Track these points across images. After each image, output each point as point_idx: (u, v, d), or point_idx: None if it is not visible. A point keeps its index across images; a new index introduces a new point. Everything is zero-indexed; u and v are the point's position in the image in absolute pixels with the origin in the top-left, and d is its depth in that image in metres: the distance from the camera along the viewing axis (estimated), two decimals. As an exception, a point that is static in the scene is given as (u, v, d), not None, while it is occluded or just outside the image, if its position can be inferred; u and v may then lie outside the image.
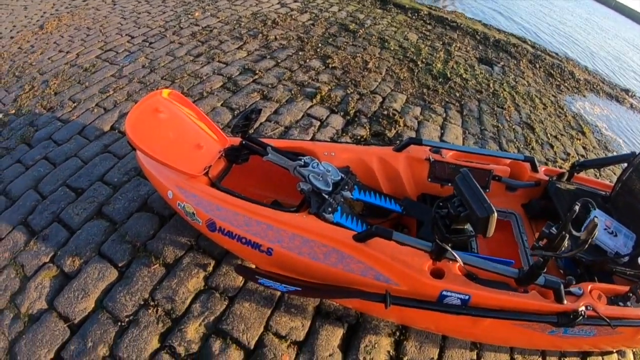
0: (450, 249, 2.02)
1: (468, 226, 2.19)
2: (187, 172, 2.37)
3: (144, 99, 2.49)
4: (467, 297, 2.11)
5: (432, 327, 2.57)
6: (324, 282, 2.20)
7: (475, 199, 2.03)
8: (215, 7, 6.87)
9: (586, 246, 1.96)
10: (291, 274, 2.24)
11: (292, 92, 4.53)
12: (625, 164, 3.10)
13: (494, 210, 1.93)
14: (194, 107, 2.66)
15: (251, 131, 2.72)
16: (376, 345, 2.46)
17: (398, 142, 4.06)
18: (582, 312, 2.15)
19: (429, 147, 3.02)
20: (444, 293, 2.10)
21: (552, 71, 9.04)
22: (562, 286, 2.15)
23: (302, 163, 2.44)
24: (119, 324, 2.29)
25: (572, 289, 2.27)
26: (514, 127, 5.59)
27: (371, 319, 2.57)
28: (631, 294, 2.34)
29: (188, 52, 5.18)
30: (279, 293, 2.50)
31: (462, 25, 9.25)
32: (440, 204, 2.39)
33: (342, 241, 2.16)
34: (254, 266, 2.52)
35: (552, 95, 7.66)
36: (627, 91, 11.53)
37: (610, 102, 9.69)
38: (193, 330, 2.27)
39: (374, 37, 6.83)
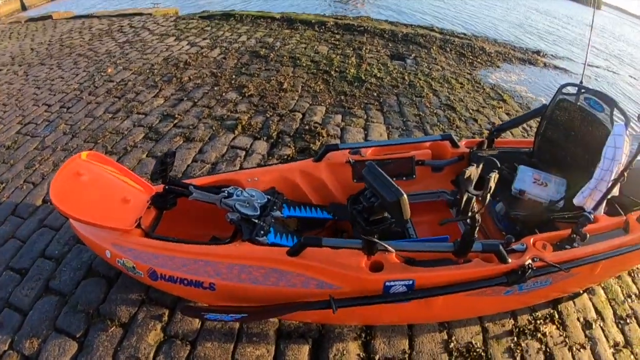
0: (378, 241, 2.04)
1: (387, 214, 2.31)
2: (119, 227, 2.41)
3: (64, 165, 2.53)
4: (411, 282, 2.13)
5: (394, 319, 2.62)
6: (270, 303, 2.22)
7: (383, 186, 2.13)
8: (127, 59, 6.91)
9: (486, 202, 2.04)
10: (239, 303, 2.29)
11: (213, 128, 4.64)
12: (540, 118, 3.25)
13: (403, 192, 2.04)
14: (114, 164, 2.73)
15: (179, 175, 2.79)
16: (345, 352, 2.50)
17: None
18: (529, 265, 2.19)
19: (347, 150, 3.10)
20: (387, 284, 2.12)
21: (463, 51, 9.45)
22: (501, 247, 2.18)
23: (226, 194, 2.52)
24: None
25: (515, 246, 2.32)
26: (435, 111, 5.85)
27: (334, 328, 2.62)
28: (575, 235, 2.39)
29: (106, 109, 5.21)
30: (237, 325, 2.56)
31: (369, 28, 9.57)
32: (355, 200, 2.55)
33: (277, 259, 2.20)
34: (206, 305, 2.54)
35: (467, 73, 8.02)
36: (538, 52, 12.20)
37: (524, 66, 10.21)
38: None
39: (285, 57, 7.04)
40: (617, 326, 3.08)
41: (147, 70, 6.38)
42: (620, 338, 2.99)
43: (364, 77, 6.55)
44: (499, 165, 2.42)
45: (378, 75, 6.79)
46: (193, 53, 7.10)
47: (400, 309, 2.33)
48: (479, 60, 9.17)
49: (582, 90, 2.91)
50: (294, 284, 2.16)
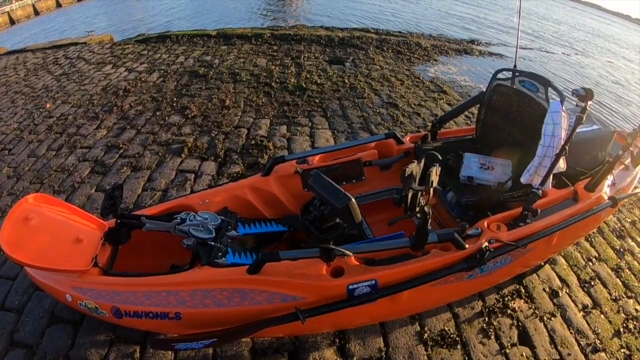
0: (334, 247, 2.04)
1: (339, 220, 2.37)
2: (75, 269, 2.38)
3: (11, 211, 2.49)
4: (374, 282, 2.16)
5: (365, 320, 2.64)
6: (238, 324, 2.20)
7: (330, 193, 2.19)
8: (65, 92, 6.79)
9: (430, 195, 2.19)
10: (208, 328, 2.27)
11: (160, 154, 4.66)
12: (479, 105, 3.39)
13: (350, 197, 2.11)
14: (63, 204, 2.71)
15: (130, 206, 2.77)
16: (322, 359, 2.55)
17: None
18: (486, 247, 2.26)
19: (295, 160, 3.11)
20: (351, 287, 2.14)
21: (399, 48, 9.76)
22: (456, 234, 2.25)
23: (179, 220, 2.53)
24: None
25: (470, 231, 2.39)
26: (378, 110, 6.04)
27: (307, 338, 2.64)
28: (526, 212, 2.50)
29: (49, 147, 5.12)
30: (211, 351, 2.57)
31: (305, 36, 9.74)
32: (306, 209, 2.62)
33: (238, 279, 2.19)
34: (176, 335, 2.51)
35: (406, 70, 8.30)
36: (473, 42, 12.69)
37: (461, 57, 10.63)
38: None
39: (225, 74, 7.11)
40: (583, 290, 3.27)
41: (87, 102, 6.29)
42: (587, 301, 3.18)
43: (304, 85, 6.70)
44: (439, 157, 2.48)
45: (318, 82, 6.95)
46: (132, 79, 7.06)
47: (369, 309, 2.33)
48: (416, 55, 9.49)
49: (517, 74, 3.05)
50: (259, 302, 2.17)
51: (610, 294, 3.29)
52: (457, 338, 2.75)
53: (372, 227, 3.06)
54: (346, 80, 7.13)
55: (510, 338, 2.81)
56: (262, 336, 2.60)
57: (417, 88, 7.20)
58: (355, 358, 2.57)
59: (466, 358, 2.66)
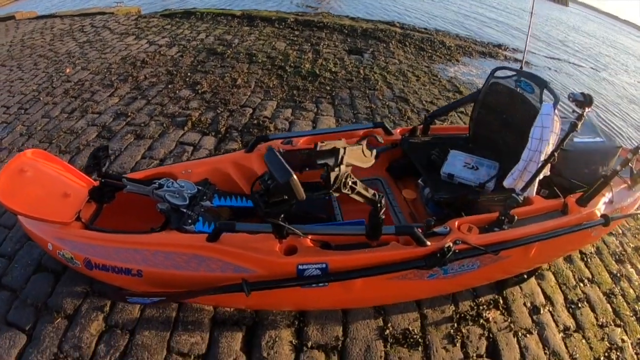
0: (284, 224, 2.05)
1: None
2: (58, 220, 2.56)
3: (9, 162, 2.68)
4: (324, 266, 2.14)
5: (322, 305, 2.69)
6: (192, 288, 2.27)
7: (276, 168, 2.15)
8: (86, 59, 6.99)
9: (337, 176, 2.11)
10: (165, 288, 2.39)
11: (164, 125, 4.80)
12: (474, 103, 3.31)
13: (292, 172, 2.07)
14: (58, 161, 2.87)
15: (127, 171, 2.85)
16: (277, 339, 2.55)
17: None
18: (449, 247, 2.15)
19: (280, 140, 3.11)
20: (300, 267, 2.14)
21: (422, 45, 9.67)
22: (416, 229, 2.17)
23: (157, 186, 2.65)
24: None
25: (438, 229, 2.31)
26: (388, 103, 6.05)
27: (267, 315, 2.68)
28: (503, 217, 2.38)
29: (62, 110, 5.33)
30: (174, 314, 2.67)
31: (329, 24, 9.76)
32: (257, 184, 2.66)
33: (197, 245, 2.26)
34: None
35: (425, 66, 8.25)
36: (500, 46, 12.49)
37: (484, 59, 10.45)
38: None
39: (242, 54, 7.21)
40: (568, 311, 3.14)
41: (105, 70, 6.48)
42: (571, 322, 3.04)
43: (318, 72, 6.74)
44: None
45: (333, 70, 6.98)
46: (151, 52, 7.22)
47: (323, 294, 2.37)
48: (438, 54, 9.40)
49: (514, 73, 2.96)
50: (213, 269, 2.23)
51: (597, 319, 3.14)
52: (420, 339, 2.69)
53: (348, 214, 3.05)
54: (361, 71, 7.13)
55: (478, 348, 2.72)
56: (225, 305, 2.69)
57: (432, 85, 7.16)
58: (310, 342, 2.58)
59: None
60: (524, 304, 3.08)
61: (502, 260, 2.50)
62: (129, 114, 5.11)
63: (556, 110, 2.44)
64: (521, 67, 3.03)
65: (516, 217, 2.40)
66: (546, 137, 2.41)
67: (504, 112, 3.06)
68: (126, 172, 3.93)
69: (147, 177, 2.89)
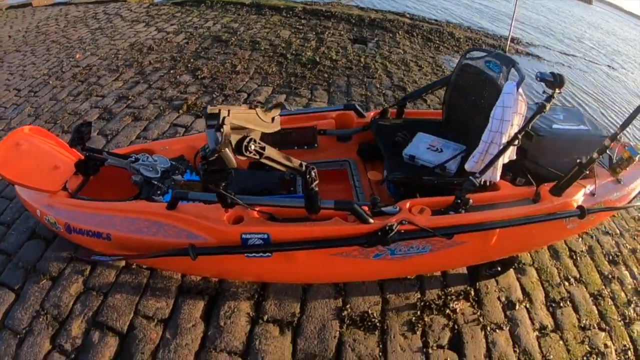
0: (229, 194, 2.07)
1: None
2: (46, 189, 2.84)
3: (7, 136, 2.98)
4: (266, 236, 2.19)
5: (272, 276, 2.75)
6: (151, 252, 2.41)
7: (210, 139, 2.11)
8: (96, 45, 7.28)
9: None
10: (131, 252, 2.60)
11: (161, 108, 5.03)
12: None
13: (220, 141, 2.00)
14: (52, 137, 3.13)
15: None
16: (236, 310, 2.67)
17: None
18: (391, 226, 2.12)
19: None
20: (244, 236, 2.21)
21: (430, 36, 9.66)
22: (355, 205, 2.15)
23: (133, 159, 2.87)
24: (18, 336, 2.65)
25: (387, 208, 2.27)
26: (384, 91, 6.15)
27: (229, 287, 2.81)
28: (459, 201, 2.30)
29: (69, 93, 5.61)
30: (145, 281, 2.89)
31: (337, 13, 9.86)
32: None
33: (157, 213, 2.43)
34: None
35: (430, 57, 8.26)
36: (512, 40, 12.24)
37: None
38: (76, 328, 2.65)
39: (245, 42, 7.40)
40: (548, 309, 3.01)
41: (112, 56, 6.75)
42: (549, 322, 2.92)
43: (318, 60, 6.88)
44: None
45: (334, 58, 7.10)
46: (159, 39, 7.46)
47: (268, 264, 2.41)
48: (445, 45, 9.35)
49: (486, 54, 2.84)
50: (170, 235, 2.37)
51: (579, 321, 2.98)
52: (378, 324, 2.68)
53: (324, 195, 3.10)
54: (362, 60, 7.22)
55: (439, 339, 2.67)
56: (191, 273, 2.88)
57: (434, 76, 7.18)
58: (267, 316, 2.67)
59: (380, 346, 2.59)
60: (498, 298, 2.98)
61: (457, 246, 2.43)
62: (130, 97, 5.36)
63: (520, 90, 2.31)
64: (504, 51, 2.97)
65: (471, 201, 2.32)
66: (507, 117, 2.30)
67: (473, 95, 2.93)
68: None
69: (128, 153, 3.09)
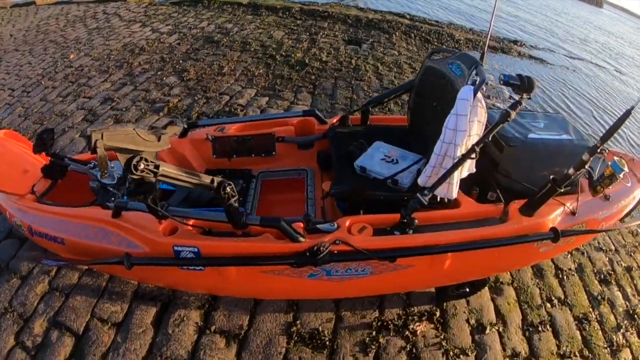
0: (157, 207, 2.05)
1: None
2: (14, 192, 2.98)
3: None
4: (196, 249, 2.18)
5: (206, 288, 2.78)
6: (100, 258, 2.48)
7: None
8: (91, 46, 7.44)
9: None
10: (82, 257, 2.68)
11: (143, 110, 5.15)
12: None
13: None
14: (25, 141, 3.29)
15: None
16: (185, 318, 2.71)
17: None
18: (322, 246, 2.00)
19: (215, 127, 3.22)
20: (176, 248, 2.20)
21: (428, 37, 9.58)
22: (283, 222, 2.06)
23: (92, 165, 2.96)
24: None
25: (323, 225, 2.17)
26: (371, 94, 6.10)
27: (182, 295, 2.85)
28: (404, 220, 2.13)
29: (59, 94, 5.76)
30: (104, 284, 2.99)
31: (334, 14, 9.86)
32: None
33: (104, 220, 2.47)
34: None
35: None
36: (515, 42, 11.99)
37: (495, 54, 10.25)
38: (38, 326, 2.78)
39: (236, 42, 7.49)
40: (524, 334, 2.80)
41: (105, 57, 6.90)
42: (523, 348, 2.71)
43: (307, 62, 6.91)
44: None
45: (324, 60, 7.13)
46: (152, 39, 7.58)
47: (202, 277, 2.41)
48: (444, 47, 9.25)
49: (450, 55, 2.64)
50: (113, 242, 2.41)
51: (558, 347, 2.76)
52: (328, 342, 2.59)
53: (274, 205, 3.14)
54: (353, 61, 7.21)
55: None
56: (146, 282, 2.96)
57: None
58: (214, 327, 2.69)
59: None
60: (467, 320, 2.79)
61: (402, 270, 2.26)
62: (115, 99, 5.49)
63: (480, 95, 2.06)
64: (482, 56, 2.67)
65: (416, 221, 2.15)
66: (462, 126, 2.05)
67: (434, 100, 2.71)
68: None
69: (90, 159, 3.18)
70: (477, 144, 2.05)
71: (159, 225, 2.31)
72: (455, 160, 2.09)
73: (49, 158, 3.10)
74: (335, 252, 2.07)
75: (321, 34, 8.57)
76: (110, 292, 2.95)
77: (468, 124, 2.05)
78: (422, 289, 2.88)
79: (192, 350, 2.61)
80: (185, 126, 2.52)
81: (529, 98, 1.97)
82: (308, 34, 8.49)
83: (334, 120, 3.32)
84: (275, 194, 3.27)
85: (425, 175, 2.28)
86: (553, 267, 3.34)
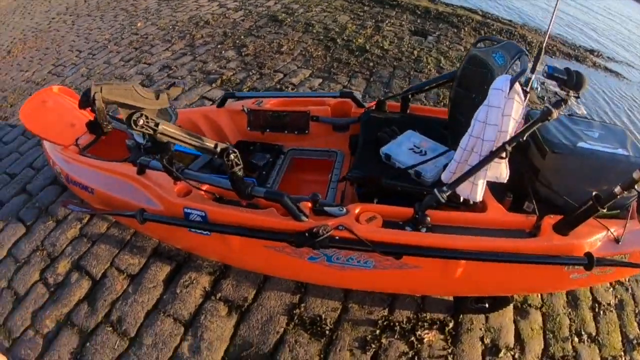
0: (172, 168, 2.11)
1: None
2: (59, 143, 3.15)
3: (37, 92, 3.39)
4: (203, 214, 2.23)
5: (210, 253, 2.84)
6: (122, 210, 2.62)
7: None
8: (158, 16, 7.63)
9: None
10: (107, 207, 2.85)
11: (197, 80, 5.23)
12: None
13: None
14: (76, 97, 3.45)
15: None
16: (195, 282, 2.82)
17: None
18: (323, 229, 1.96)
19: (253, 100, 3.27)
20: (186, 210, 2.27)
21: (499, 36, 9.24)
22: (286, 198, 2.05)
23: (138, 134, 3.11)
24: (17, 264, 3.06)
25: (332, 209, 2.12)
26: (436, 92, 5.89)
27: (196, 259, 2.95)
28: (417, 216, 2.02)
29: (122, 58, 5.98)
30: (128, 237, 3.14)
31: (402, 3, 9.64)
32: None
33: (130, 176, 2.62)
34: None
35: (492, 57, 8.04)
36: (592, 51, 11.29)
37: (568, 61, 9.58)
38: (62, 266, 2.98)
39: (300, 23, 7.45)
40: None
41: (170, 27, 7.06)
42: None
43: (368, 48, 6.77)
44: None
45: (385, 48, 6.96)
46: (218, 14, 7.66)
47: (207, 242, 2.47)
48: (496, 36, 9.00)
49: (497, 43, 2.44)
50: (134, 197, 2.55)
51: None
52: (328, 331, 2.54)
53: (299, 185, 3.15)
54: (415, 53, 7.01)
55: None
56: (164, 241, 3.08)
57: None
58: (220, 295, 2.76)
59: (322, 355, 2.46)
60: (481, 339, 2.58)
61: (408, 270, 2.14)
62: (173, 67, 5.61)
63: (518, 87, 1.85)
64: (541, 49, 2.03)
65: (428, 219, 2.03)
66: (493, 120, 1.87)
67: (474, 91, 2.50)
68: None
69: None
70: (508, 142, 1.86)
71: (175, 187, 2.40)
72: (481, 158, 1.92)
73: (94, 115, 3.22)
74: (337, 237, 2.01)
75: (387, 22, 8.38)
76: (132, 245, 3.08)
77: (501, 118, 1.87)
78: (432, 294, 2.73)
79: (194, 313, 2.70)
80: (185, 88, 2.51)
81: (577, 97, 1.73)
82: (374, 21, 8.33)
83: (371, 105, 3.22)
84: (301, 172, 3.27)
85: (449, 171, 2.12)
86: (590, 298, 2.99)
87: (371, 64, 6.32)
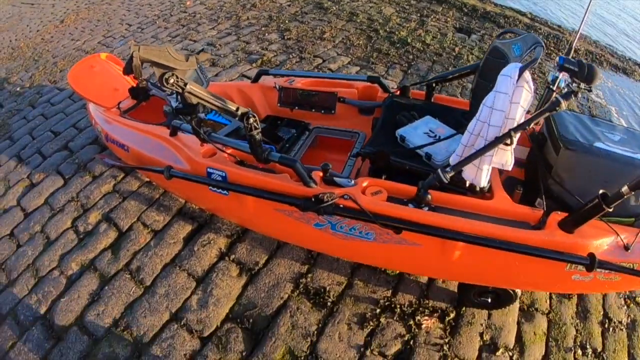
0: (200, 130, 2.35)
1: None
2: (102, 104, 3.39)
3: (86, 58, 3.63)
4: (224, 174, 2.38)
5: (226, 213, 2.98)
6: (151, 166, 2.80)
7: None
8: (208, -5, 7.88)
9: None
10: (139, 164, 3.04)
11: (238, 59, 5.43)
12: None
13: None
14: (122, 64, 3.68)
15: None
16: (212, 242, 2.99)
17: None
18: (329, 196, 2.04)
19: (286, 78, 3.47)
20: (209, 170, 2.44)
21: (545, 40, 9.00)
22: (298, 164, 2.16)
23: (169, 92, 3.23)
24: (52, 211, 3.36)
25: (341, 180, 2.21)
26: (464, 84, 5.85)
27: (217, 221, 3.13)
28: (420, 193, 2.06)
29: (169, 34, 6.24)
30: (157, 196, 3.37)
31: (450, 0, 9.66)
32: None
33: (162, 137, 2.84)
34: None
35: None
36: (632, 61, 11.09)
37: (613, 73, 9.22)
38: (93, 217, 3.25)
39: (344, 12, 7.54)
40: None
41: (218, 8, 7.29)
42: None
43: (409, 41, 6.80)
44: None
45: (427, 42, 6.97)
46: (266, -3, 7.87)
47: (225, 201, 2.59)
48: (559, 53, 8.68)
49: (519, 35, 2.44)
50: (164, 156, 2.75)
51: None
52: (329, 304, 2.61)
53: (315, 159, 3.17)
54: (457, 49, 6.99)
55: (385, 346, 2.44)
56: (189, 200, 3.29)
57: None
58: (234, 256, 2.91)
59: (320, 325, 2.53)
60: (480, 334, 2.53)
61: (407, 246, 2.17)
62: (217, 45, 5.83)
63: (527, 76, 1.86)
64: (567, 53, 2.24)
65: (429, 197, 2.07)
66: (500, 106, 1.88)
67: (492, 82, 2.23)
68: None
69: None
70: (514, 129, 1.86)
71: (202, 149, 2.58)
72: (486, 143, 1.93)
73: (137, 81, 3.43)
74: (342, 206, 2.08)
75: (432, 17, 8.36)
76: (160, 204, 3.30)
77: (509, 104, 1.87)
78: (430, 276, 2.77)
79: (207, 270, 2.87)
80: (212, 55, 2.67)
81: (589, 90, 1.74)
82: (419, 15, 8.32)
83: (397, 91, 3.27)
84: (323, 150, 3.39)
85: (457, 155, 2.12)
86: (601, 313, 2.85)
87: (410, 56, 6.36)
